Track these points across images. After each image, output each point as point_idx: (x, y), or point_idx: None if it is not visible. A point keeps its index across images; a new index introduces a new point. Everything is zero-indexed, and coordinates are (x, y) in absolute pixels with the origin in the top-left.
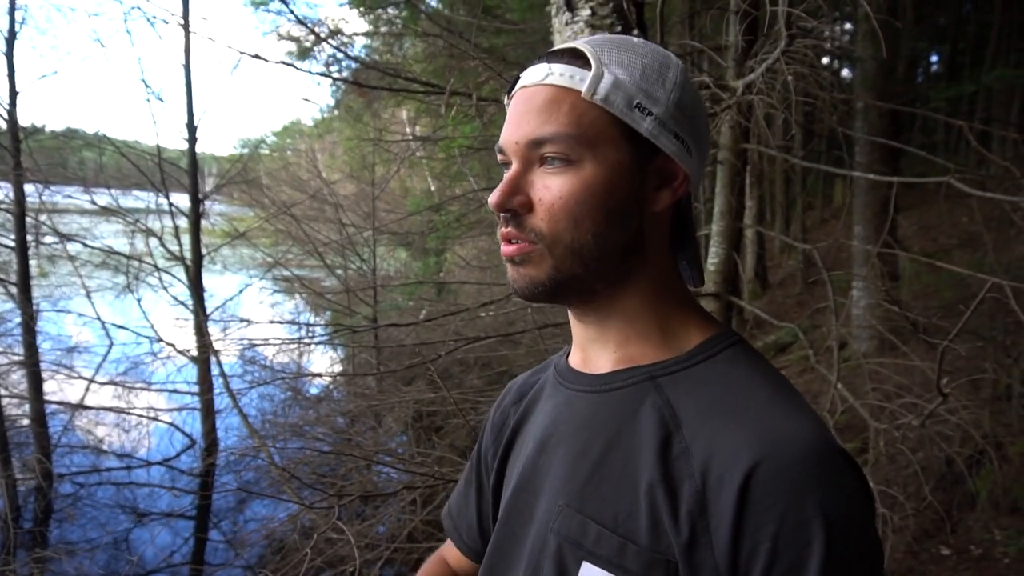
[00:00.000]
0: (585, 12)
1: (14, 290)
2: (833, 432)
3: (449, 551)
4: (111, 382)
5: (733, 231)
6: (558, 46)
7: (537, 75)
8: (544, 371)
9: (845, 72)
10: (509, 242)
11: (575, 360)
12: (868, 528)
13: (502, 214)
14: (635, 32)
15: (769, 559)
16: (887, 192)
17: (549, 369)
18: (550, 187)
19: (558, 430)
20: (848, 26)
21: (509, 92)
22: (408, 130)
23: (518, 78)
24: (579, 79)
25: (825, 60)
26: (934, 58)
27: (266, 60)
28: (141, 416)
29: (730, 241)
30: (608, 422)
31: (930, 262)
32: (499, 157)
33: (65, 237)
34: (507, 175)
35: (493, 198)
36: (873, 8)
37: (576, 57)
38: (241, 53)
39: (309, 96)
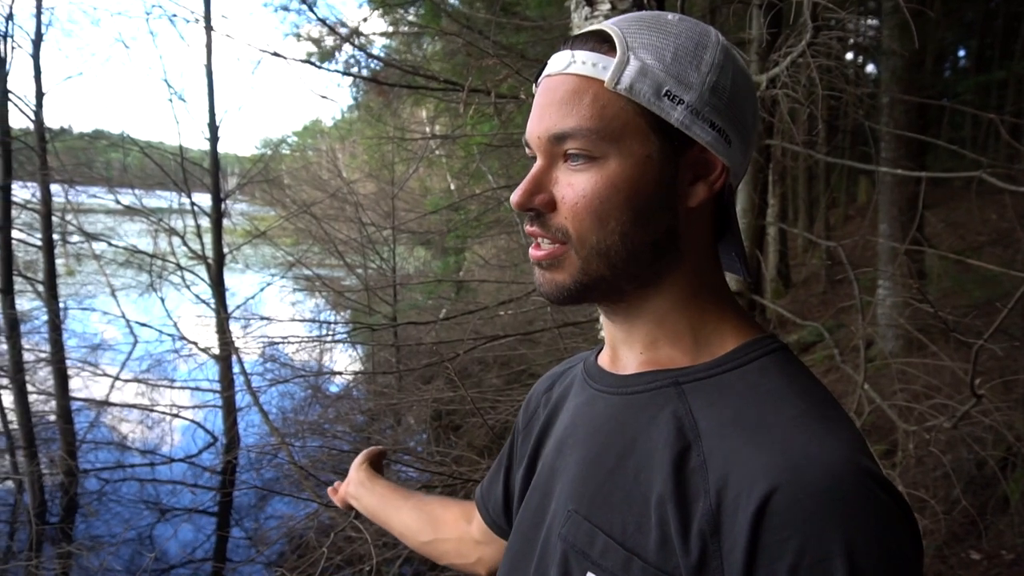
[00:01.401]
0: (605, 6)
1: (41, 288)
2: (868, 457)
3: (475, 514)
4: (135, 379)
5: (756, 229)
6: (586, 28)
7: (560, 63)
8: (577, 364)
9: (870, 67)
10: (538, 244)
11: (604, 359)
12: (904, 566)
13: (526, 212)
14: None
15: None
16: (914, 188)
17: (580, 363)
18: (573, 185)
19: (576, 431)
20: (872, 21)
21: (536, 80)
22: (427, 129)
23: (545, 65)
24: (602, 67)
25: (849, 55)
26: (962, 52)
27: (285, 58)
28: (164, 413)
29: (752, 239)
30: (626, 427)
31: (960, 259)
32: (527, 151)
33: (90, 236)
34: (531, 172)
35: (515, 197)
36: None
37: (602, 41)
38: (262, 51)
39: (329, 95)
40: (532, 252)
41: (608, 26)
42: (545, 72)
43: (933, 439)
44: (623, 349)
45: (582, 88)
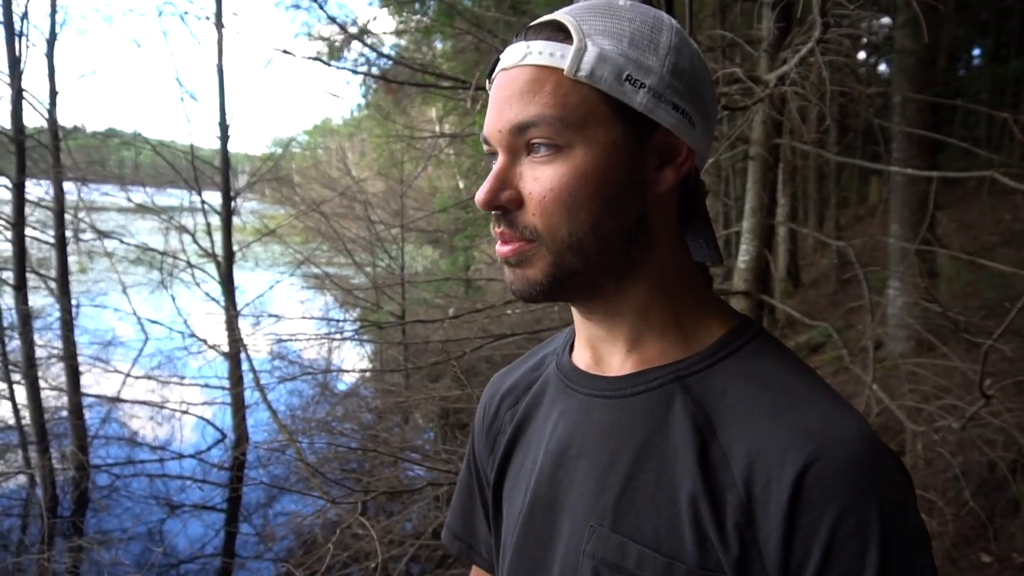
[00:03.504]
0: None
1: (53, 285)
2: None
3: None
4: (146, 376)
5: (765, 228)
6: (539, 20)
7: (515, 56)
8: (538, 369)
9: (882, 67)
10: (504, 241)
11: (582, 360)
12: (917, 515)
13: (492, 212)
14: None
15: (822, 564)
16: (926, 188)
17: (546, 368)
18: (539, 178)
19: (576, 441)
20: (885, 20)
21: (490, 76)
22: (436, 128)
23: (498, 60)
24: (560, 56)
25: (862, 54)
26: (976, 51)
27: (294, 55)
28: (174, 410)
29: (761, 239)
30: (634, 430)
31: (971, 260)
32: (485, 148)
33: (103, 234)
34: (494, 169)
35: (480, 195)
36: None
37: (557, 30)
38: (273, 50)
39: (339, 94)
40: (499, 249)
41: (561, 15)
42: (500, 67)
43: (942, 440)
44: (605, 348)
45: (542, 77)
